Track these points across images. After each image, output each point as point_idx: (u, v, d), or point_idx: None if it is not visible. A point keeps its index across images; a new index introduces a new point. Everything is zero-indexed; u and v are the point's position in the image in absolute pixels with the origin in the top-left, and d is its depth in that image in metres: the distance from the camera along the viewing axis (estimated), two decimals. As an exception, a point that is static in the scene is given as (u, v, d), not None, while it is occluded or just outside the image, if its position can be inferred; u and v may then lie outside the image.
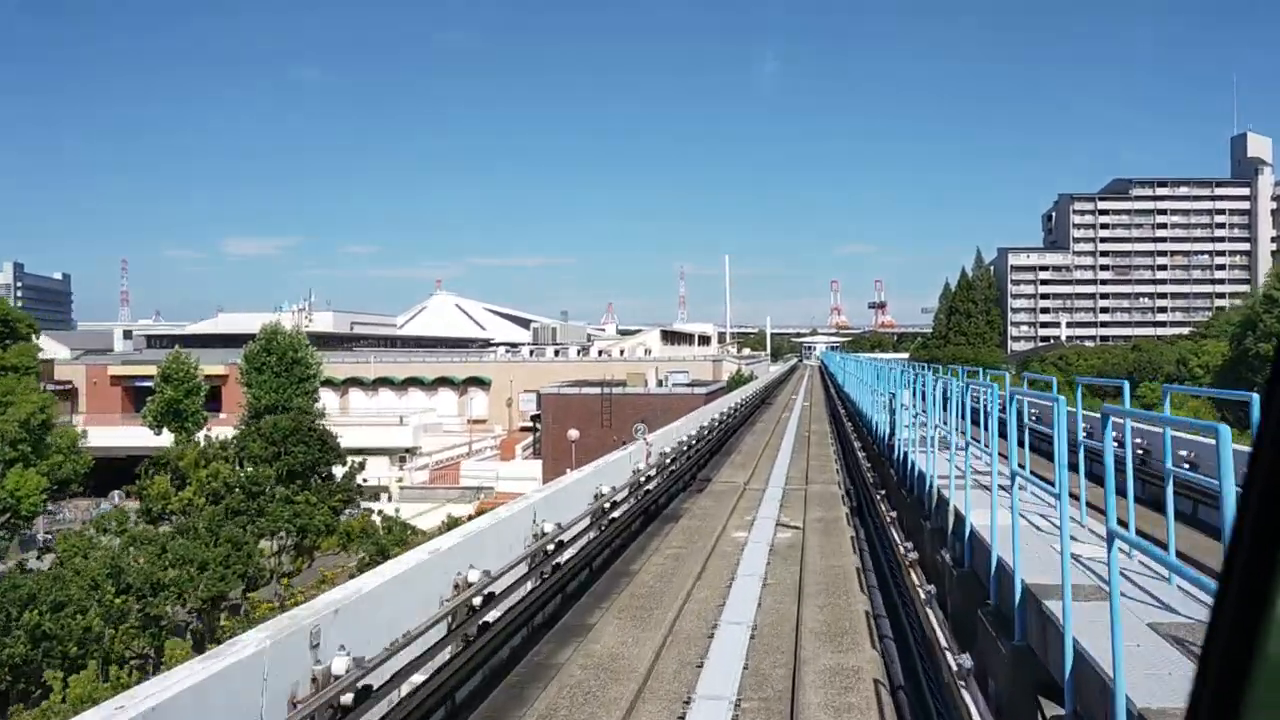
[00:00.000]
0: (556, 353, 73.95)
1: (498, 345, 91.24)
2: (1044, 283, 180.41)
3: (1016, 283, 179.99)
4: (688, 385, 54.54)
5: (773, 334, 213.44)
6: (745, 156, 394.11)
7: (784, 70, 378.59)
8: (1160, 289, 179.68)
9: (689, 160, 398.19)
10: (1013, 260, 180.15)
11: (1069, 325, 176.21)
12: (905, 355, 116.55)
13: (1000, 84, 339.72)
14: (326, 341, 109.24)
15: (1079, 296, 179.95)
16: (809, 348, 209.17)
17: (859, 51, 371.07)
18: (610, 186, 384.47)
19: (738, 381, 61.49)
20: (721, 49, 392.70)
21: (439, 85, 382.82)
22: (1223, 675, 0.85)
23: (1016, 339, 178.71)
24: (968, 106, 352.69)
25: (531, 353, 76.31)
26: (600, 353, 75.79)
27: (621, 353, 75.80)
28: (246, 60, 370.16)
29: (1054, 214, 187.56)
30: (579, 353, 74.57)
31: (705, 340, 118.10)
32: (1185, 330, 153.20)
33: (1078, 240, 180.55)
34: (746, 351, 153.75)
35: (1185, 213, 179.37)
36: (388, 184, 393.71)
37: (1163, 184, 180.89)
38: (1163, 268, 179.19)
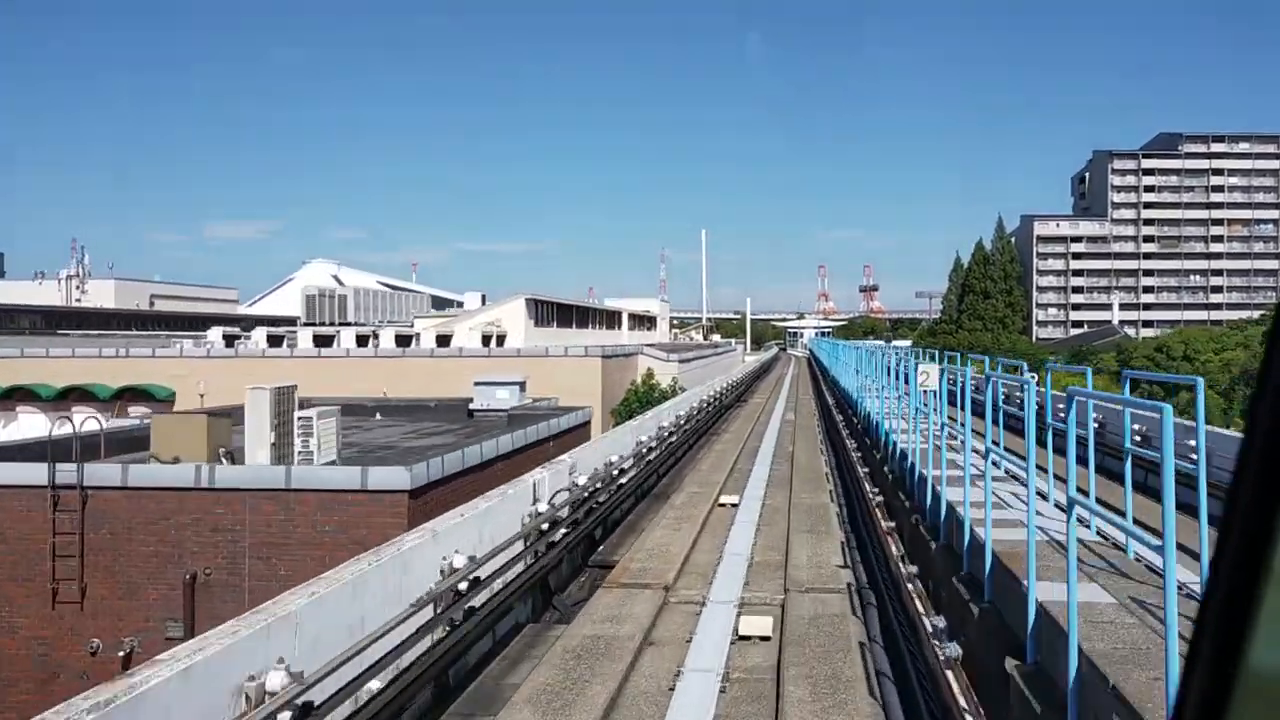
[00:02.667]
0: (322, 340, 40.51)
1: (380, 327, 58.94)
2: (1075, 256, 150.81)
3: (1043, 256, 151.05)
4: (500, 412, 23.50)
5: (757, 319, 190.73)
6: (732, 135, 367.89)
7: (772, 38, 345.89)
8: (1215, 264, 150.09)
9: (673, 142, 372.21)
10: (1039, 230, 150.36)
11: (1101, 308, 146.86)
12: (907, 343, 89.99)
13: (1009, 21, 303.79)
14: (103, 321, 77.51)
15: (1119, 273, 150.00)
16: (795, 334, 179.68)
17: (853, 10, 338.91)
18: (593, 171, 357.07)
19: (639, 402, 30.44)
20: (707, 19, 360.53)
21: (423, 70, 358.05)
22: (1217, 648, 0.84)
23: (1043, 323, 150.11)
24: (969, 57, 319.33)
25: (281, 340, 42.27)
26: (403, 339, 41.75)
27: (447, 340, 42.21)
28: (228, 40, 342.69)
29: (1088, 175, 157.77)
30: (364, 342, 41.04)
31: (646, 322, 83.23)
32: (1252, 314, 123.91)
33: (1117, 206, 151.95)
34: (716, 338, 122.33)
35: (1246, 173, 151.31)
36: (373, 169, 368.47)
37: (1219, 139, 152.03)
38: (1218, 238, 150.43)
